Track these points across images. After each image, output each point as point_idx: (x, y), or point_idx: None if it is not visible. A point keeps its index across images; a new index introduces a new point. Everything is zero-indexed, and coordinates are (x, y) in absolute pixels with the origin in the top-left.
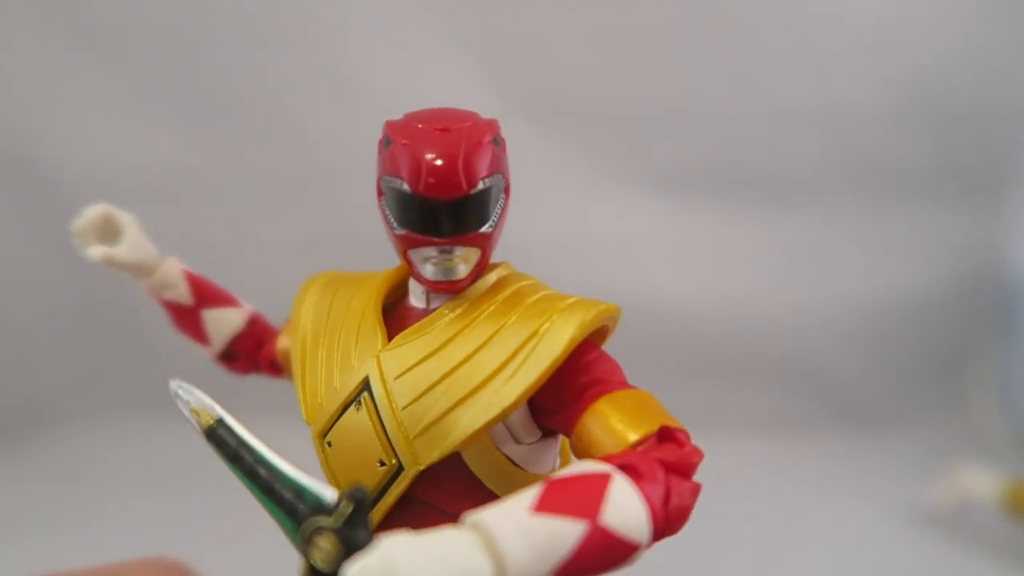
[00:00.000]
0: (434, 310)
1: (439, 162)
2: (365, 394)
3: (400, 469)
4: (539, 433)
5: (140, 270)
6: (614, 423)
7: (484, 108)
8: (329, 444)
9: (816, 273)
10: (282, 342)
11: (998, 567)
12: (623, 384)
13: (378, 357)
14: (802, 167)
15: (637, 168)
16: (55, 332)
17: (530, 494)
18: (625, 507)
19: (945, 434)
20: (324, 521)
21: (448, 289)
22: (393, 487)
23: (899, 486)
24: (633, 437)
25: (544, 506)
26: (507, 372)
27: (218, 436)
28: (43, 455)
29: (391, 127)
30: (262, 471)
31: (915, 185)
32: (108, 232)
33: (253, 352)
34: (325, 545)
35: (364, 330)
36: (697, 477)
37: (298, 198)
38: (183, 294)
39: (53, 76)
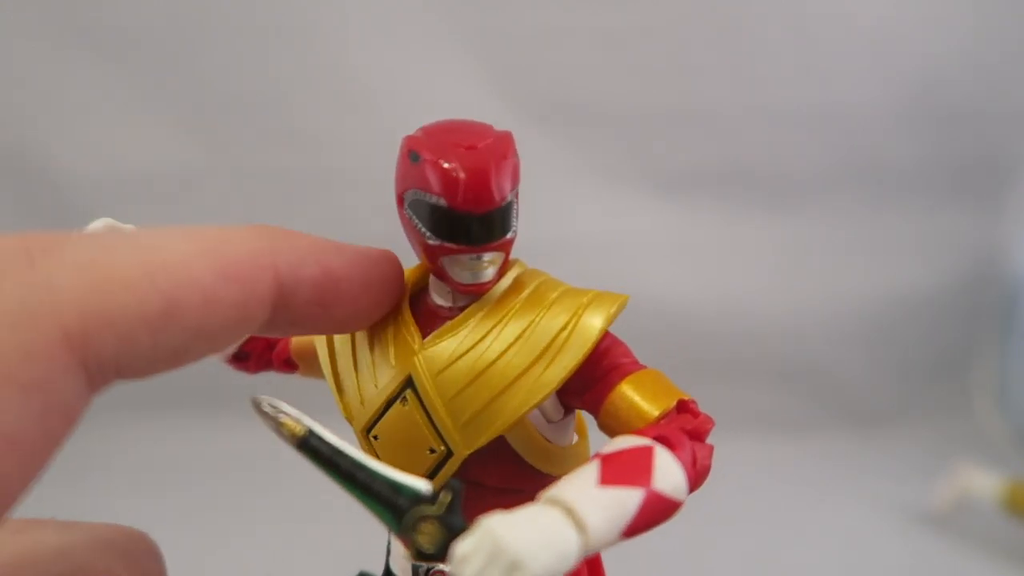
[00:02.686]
0: (460, 308)
1: (473, 180)
2: (409, 390)
3: (449, 454)
4: (563, 411)
5: None
6: (639, 401)
7: (484, 108)
8: (375, 438)
9: (816, 273)
10: (298, 339)
11: (998, 567)
12: (637, 364)
13: (418, 356)
14: (802, 167)
15: (637, 168)
16: None
17: (591, 471)
18: (669, 473)
19: (945, 434)
20: (428, 510)
21: (477, 291)
22: (442, 471)
23: (899, 486)
24: (656, 412)
25: (607, 479)
26: (544, 361)
27: (311, 446)
28: None
29: (416, 143)
30: (359, 473)
31: (915, 185)
32: None
33: (264, 352)
34: (430, 531)
35: (398, 334)
36: None
37: (298, 198)
38: None
39: (54, 76)
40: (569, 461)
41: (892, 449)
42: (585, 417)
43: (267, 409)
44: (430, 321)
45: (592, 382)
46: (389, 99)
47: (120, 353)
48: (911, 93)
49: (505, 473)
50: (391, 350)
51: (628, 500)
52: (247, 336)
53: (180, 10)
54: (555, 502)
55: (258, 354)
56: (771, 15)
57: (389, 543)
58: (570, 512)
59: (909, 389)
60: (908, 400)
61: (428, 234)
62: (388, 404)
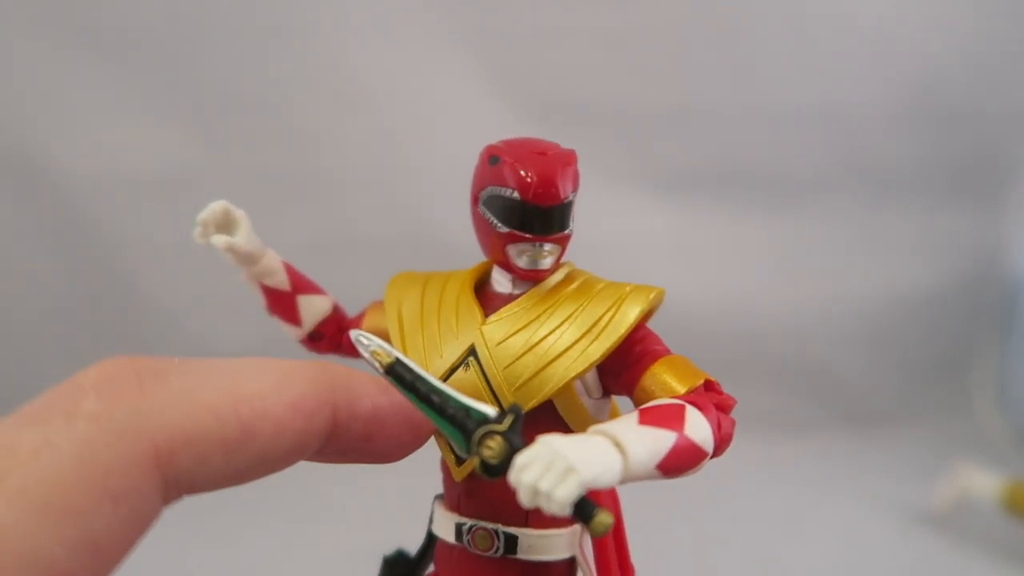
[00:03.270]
0: (519, 294)
1: (543, 179)
2: (471, 358)
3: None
4: (602, 391)
5: (250, 258)
6: (669, 380)
7: (484, 108)
8: None
9: (816, 273)
10: (370, 323)
11: (998, 567)
12: (668, 350)
13: (481, 329)
14: (802, 167)
15: (637, 168)
16: (56, 330)
17: (631, 416)
18: (699, 425)
19: (945, 434)
20: (494, 427)
21: (535, 276)
22: None
23: (899, 486)
24: (683, 390)
25: (646, 421)
26: (588, 339)
27: (396, 372)
28: None
29: (496, 150)
30: (435, 397)
31: (915, 185)
32: (226, 224)
33: (335, 334)
34: (495, 445)
35: (462, 310)
36: (699, 477)
37: (298, 198)
38: (283, 281)
39: (54, 76)
40: None
41: (892, 449)
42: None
43: (362, 340)
44: (491, 304)
45: (628, 365)
46: (389, 99)
47: (195, 471)
48: (911, 93)
49: None
50: (456, 326)
51: (663, 438)
52: (324, 318)
53: (180, 10)
54: (601, 432)
55: (330, 335)
56: (771, 15)
57: (433, 509)
58: (615, 440)
59: (909, 389)
60: (908, 400)
61: (499, 224)
62: (452, 371)
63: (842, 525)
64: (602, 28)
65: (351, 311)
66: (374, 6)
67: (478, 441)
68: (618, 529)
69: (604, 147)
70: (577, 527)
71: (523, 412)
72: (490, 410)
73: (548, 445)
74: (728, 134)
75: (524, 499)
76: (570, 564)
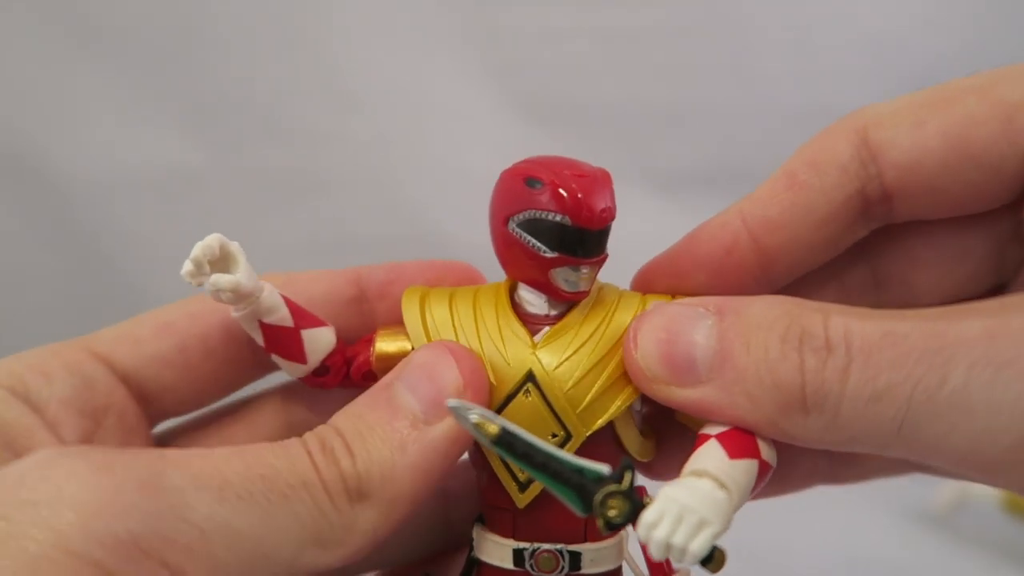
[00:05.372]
0: (557, 315)
1: (590, 202)
2: (530, 384)
3: (568, 437)
4: (641, 404)
5: (250, 296)
6: None
7: (484, 108)
8: None
9: None
10: (383, 349)
11: (998, 567)
12: None
13: (536, 354)
14: None
15: (637, 168)
16: (56, 331)
17: (717, 449)
18: (766, 444)
19: None
20: (614, 487)
21: (575, 298)
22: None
23: (899, 486)
24: None
25: (734, 454)
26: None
27: (506, 441)
28: None
29: (533, 172)
30: (550, 463)
31: None
32: (222, 260)
33: (341, 367)
34: (618, 505)
35: (506, 333)
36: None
37: (298, 198)
38: (284, 317)
39: (54, 76)
40: (650, 454)
41: None
42: None
43: (461, 411)
44: (529, 326)
45: None
46: (389, 99)
47: None
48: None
49: (613, 463)
50: (504, 350)
51: (751, 468)
52: (330, 350)
53: (180, 10)
54: (705, 475)
55: (336, 369)
56: (771, 15)
57: (473, 537)
58: (720, 482)
59: None
60: None
61: (544, 248)
62: (508, 399)
63: (842, 525)
64: (602, 28)
65: None
66: (374, 6)
67: (600, 503)
68: None
69: (604, 147)
70: (623, 534)
71: (634, 467)
72: (603, 468)
73: (673, 500)
74: (728, 134)
75: (655, 554)
76: (618, 571)
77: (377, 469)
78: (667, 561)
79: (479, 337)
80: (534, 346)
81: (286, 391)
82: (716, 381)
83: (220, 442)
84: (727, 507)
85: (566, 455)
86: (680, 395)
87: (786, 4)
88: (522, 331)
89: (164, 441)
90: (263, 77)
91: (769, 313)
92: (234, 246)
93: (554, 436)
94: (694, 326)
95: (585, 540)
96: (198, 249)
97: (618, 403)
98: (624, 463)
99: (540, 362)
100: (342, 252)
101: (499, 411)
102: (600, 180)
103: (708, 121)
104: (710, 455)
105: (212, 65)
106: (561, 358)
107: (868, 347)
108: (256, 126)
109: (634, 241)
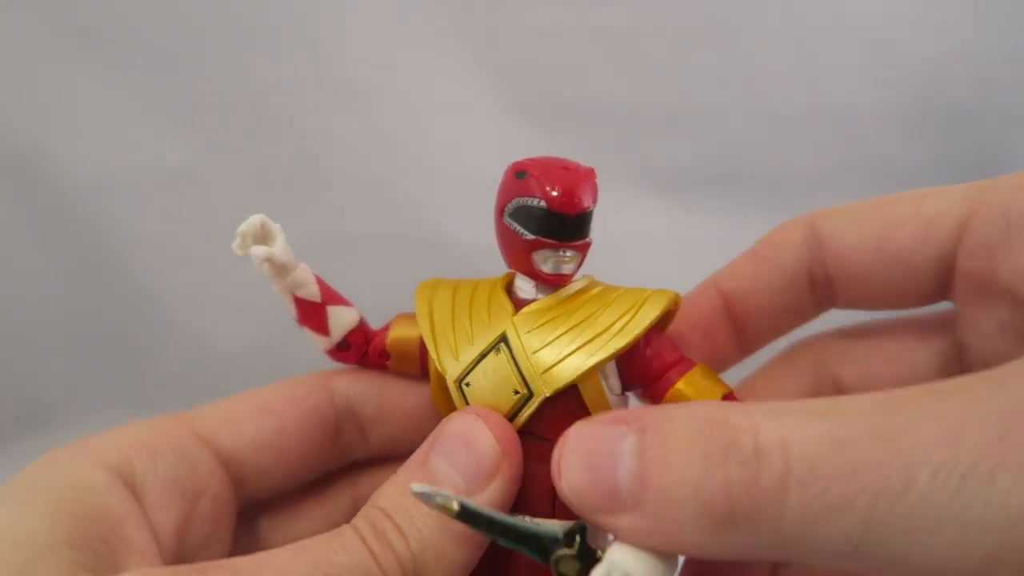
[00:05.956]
0: (541, 299)
1: (567, 189)
2: (502, 344)
3: (530, 396)
4: (621, 389)
5: (284, 270)
6: (709, 387)
7: (484, 107)
8: (467, 384)
9: None
10: (396, 333)
11: None
12: (688, 363)
13: (512, 319)
14: (802, 167)
15: (637, 168)
16: (57, 331)
17: None
18: None
19: None
20: (566, 551)
21: (558, 281)
22: (523, 410)
23: None
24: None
25: None
26: (615, 329)
27: (469, 515)
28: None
29: (522, 166)
30: (508, 530)
31: (915, 185)
32: (262, 236)
33: (362, 345)
34: (570, 565)
35: (494, 306)
36: None
37: (298, 198)
38: (314, 292)
39: (53, 76)
40: None
41: None
42: None
43: (426, 494)
44: (518, 306)
45: (651, 378)
46: (389, 99)
47: None
48: (911, 93)
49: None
50: (488, 319)
51: None
52: (352, 328)
53: (180, 10)
54: None
55: (357, 346)
56: (771, 15)
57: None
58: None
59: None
60: None
61: (525, 232)
62: (483, 355)
63: None
64: (602, 28)
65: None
66: (375, 6)
67: (555, 563)
68: None
69: (604, 147)
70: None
71: (586, 529)
72: (556, 528)
73: (618, 567)
74: (728, 134)
75: None
76: None
77: (430, 549)
78: None
79: (470, 309)
80: (514, 313)
81: (354, 470)
82: (640, 507)
83: (294, 519)
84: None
85: (523, 522)
86: (612, 523)
87: (786, 4)
88: (507, 303)
89: (243, 518)
90: (263, 77)
91: (691, 425)
92: (275, 226)
93: (516, 393)
94: (615, 448)
95: (553, 517)
96: (244, 225)
97: (581, 368)
98: (575, 526)
99: (515, 326)
100: (342, 252)
101: (474, 367)
102: (582, 174)
103: (708, 121)
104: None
105: (212, 65)
106: (535, 325)
107: (811, 455)
108: (256, 126)
109: (634, 240)
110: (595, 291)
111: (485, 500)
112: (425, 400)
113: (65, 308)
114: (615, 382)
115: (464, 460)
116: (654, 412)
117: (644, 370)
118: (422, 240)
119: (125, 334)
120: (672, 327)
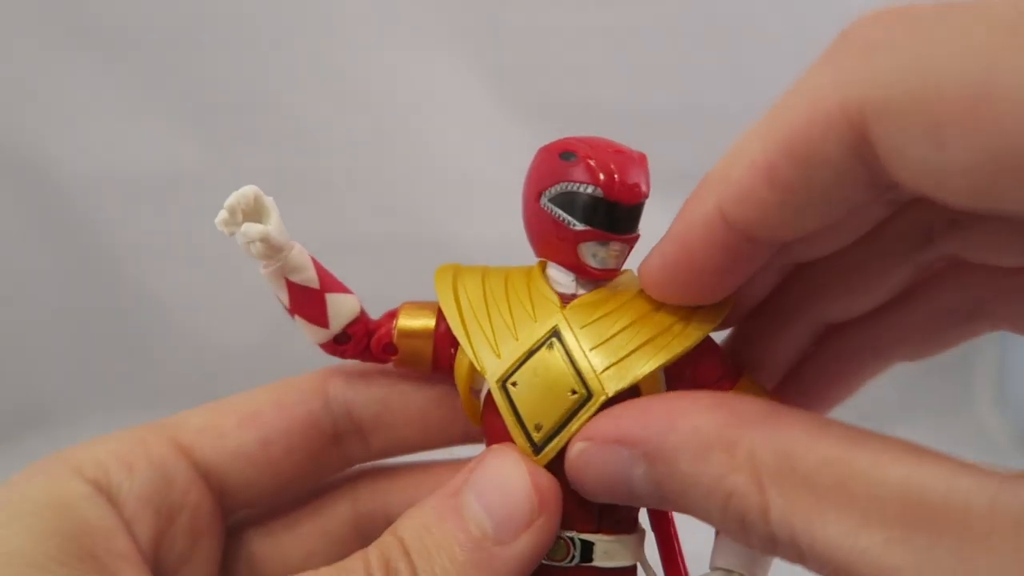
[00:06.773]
0: (582, 295)
1: (626, 175)
2: (554, 339)
3: (589, 396)
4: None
5: (280, 250)
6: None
7: (484, 107)
8: (514, 384)
9: None
10: (405, 324)
11: None
12: (737, 374)
13: (563, 312)
14: None
15: None
16: (58, 331)
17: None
18: None
19: (945, 432)
20: None
21: (604, 276)
22: (581, 413)
23: None
24: None
25: None
26: (676, 329)
27: None
28: (47, 453)
29: (569, 146)
30: None
31: None
32: (255, 212)
33: (363, 337)
34: None
35: (537, 298)
36: None
37: (298, 198)
38: (311, 278)
39: (53, 76)
40: None
41: None
42: None
43: None
44: (561, 299)
45: (697, 386)
46: (389, 99)
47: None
48: None
49: None
50: (532, 311)
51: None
52: (353, 319)
53: (180, 10)
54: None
55: (358, 339)
56: (771, 15)
57: None
58: None
59: (909, 387)
60: (908, 398)
61: (573, 222)
62: (530, 353)
63: None
64: (602, 28)
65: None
66: (375, 6)
67: None
68: (675, 536)
69: None
70: (642, 533)
71: None
72: None
73: None
74: (728, 134)
75: None
76: (633, 570)
77: None
78: (682, 563)
79: (508, 301)
80: (562, 307)
81: (355, 479)
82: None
83: (289, 531)
84: None
85: None
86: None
87: (786, 4)
88: (554, 296)
89: (235, 530)
90: (263, 77)
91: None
92: (268, 200)
93: (574, 393)
94: (628, 474)
95: (599, 531)
96: (233, 197)
97: (645, 368)
98: None
99: (567, 320)
100: (342, 252)
101: (521, 364)
102: (636, 159)
103: (708, 121)
104: (733, 546)
105: (212, 65)
106: (588, 320)
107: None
108: (256, 126)
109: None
110: (632, 281)
111: (514, 553)
112: (432, 402)
113: (65, 308)
114: (663, 385)
115: (498, 506)
116: (655, 432)
117: (692, 376)
118: (422, 240)
119: (125, 334)
120: (676, 276)
